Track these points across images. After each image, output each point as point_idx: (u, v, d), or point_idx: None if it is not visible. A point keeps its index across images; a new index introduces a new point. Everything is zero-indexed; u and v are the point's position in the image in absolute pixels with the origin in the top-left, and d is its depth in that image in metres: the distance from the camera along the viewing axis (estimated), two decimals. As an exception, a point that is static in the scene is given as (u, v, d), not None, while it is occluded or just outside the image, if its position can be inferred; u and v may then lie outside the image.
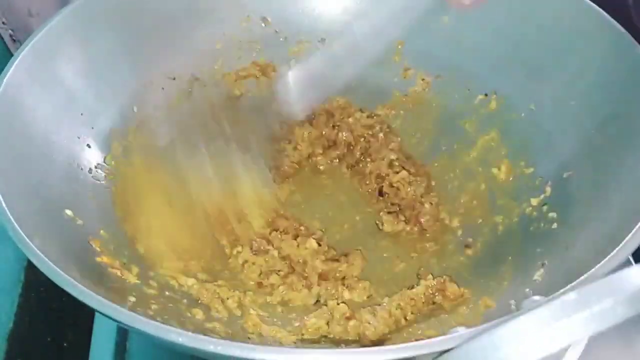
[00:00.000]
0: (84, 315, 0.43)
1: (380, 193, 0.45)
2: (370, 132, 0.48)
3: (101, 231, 0.36)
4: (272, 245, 0.41)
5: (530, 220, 0.38)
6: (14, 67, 0.35)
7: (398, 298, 0.37)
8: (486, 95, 0.46)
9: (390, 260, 0.41)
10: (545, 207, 0.38)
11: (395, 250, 0.42)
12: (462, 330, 0.20)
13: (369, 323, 0.35)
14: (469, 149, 0.46)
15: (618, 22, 0.37)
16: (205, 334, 0.23)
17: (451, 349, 0.19)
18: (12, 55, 0.36)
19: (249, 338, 0.34)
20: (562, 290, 0.21)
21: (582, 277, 0.22)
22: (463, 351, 0.18)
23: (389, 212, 0.44)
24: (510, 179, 0.42)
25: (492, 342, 0.17)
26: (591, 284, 0.16)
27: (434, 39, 0.47)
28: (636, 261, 0.37)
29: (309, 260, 0.40)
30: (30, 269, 0.46)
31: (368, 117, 0.49)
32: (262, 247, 0.41)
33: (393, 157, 0.46)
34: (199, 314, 0.35)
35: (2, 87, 0.34)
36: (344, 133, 0.48)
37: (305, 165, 0.48)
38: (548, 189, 0.38)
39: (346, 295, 0.38)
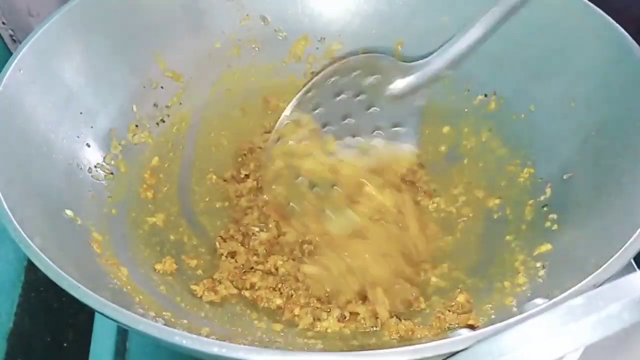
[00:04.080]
0: (84, 315, 0.43)
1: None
2: None
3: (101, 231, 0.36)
4: None
5: (530, 221, 0.38)
6: (13, 67, 0.35)
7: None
8: (486, 95, 0.46)
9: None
10: (545, 209, 0.38)
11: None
12: (465, 333, 0.21)
13: None
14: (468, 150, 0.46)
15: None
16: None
17: (457, 352, 0.19)
18: (12, 55, 0.36)
19: None
20: (565, 294, 0.22)
21: (584, 281, 0.22)
22: (469, 355, 0.18)
23: None
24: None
25: (498, 346, 0.17)
26: (598, 289, 0.16)
27: (434, 39, 0.47)
28: (639, 266, 0.37)
29: None
30: (30, 269, 0.46)
31: None
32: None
33: None
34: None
35: (1, 87, 0.33)
36: None
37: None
38: (548, 191, 0.38)
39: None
